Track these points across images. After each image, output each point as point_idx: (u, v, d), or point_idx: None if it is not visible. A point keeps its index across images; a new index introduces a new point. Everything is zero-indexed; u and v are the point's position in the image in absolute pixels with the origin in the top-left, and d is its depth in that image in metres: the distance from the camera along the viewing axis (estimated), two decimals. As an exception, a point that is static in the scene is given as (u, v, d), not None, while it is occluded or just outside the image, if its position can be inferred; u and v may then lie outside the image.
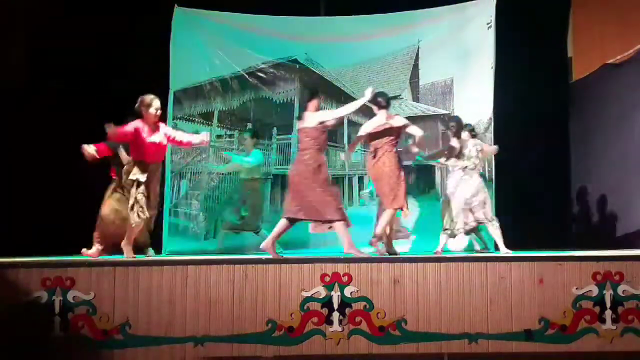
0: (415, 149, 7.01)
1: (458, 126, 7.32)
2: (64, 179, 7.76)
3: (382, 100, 6.69)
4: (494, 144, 7.75)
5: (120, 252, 6.42)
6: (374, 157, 6.63)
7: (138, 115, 6.31)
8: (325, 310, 5.32)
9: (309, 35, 8.69)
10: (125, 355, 5.29)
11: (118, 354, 5.29)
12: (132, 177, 6.25)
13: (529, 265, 5.39)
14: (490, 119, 7.97)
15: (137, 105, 6.33)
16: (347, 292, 5.33)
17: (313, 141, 6.37)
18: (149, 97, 6.35)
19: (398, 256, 6.40)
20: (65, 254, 6.49)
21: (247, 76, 8.60)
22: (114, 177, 7.03)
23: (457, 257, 5.71)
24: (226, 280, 5.36)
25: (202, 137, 6.68)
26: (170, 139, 6.51)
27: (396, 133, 6.67)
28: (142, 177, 6.23)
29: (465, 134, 7.33)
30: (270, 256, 6.14)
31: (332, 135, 8.68)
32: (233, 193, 8.48)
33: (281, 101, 8.72)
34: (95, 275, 5.35)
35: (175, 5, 8.34)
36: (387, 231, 6.70)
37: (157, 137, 6.35)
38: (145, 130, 6.27)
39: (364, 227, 7.13)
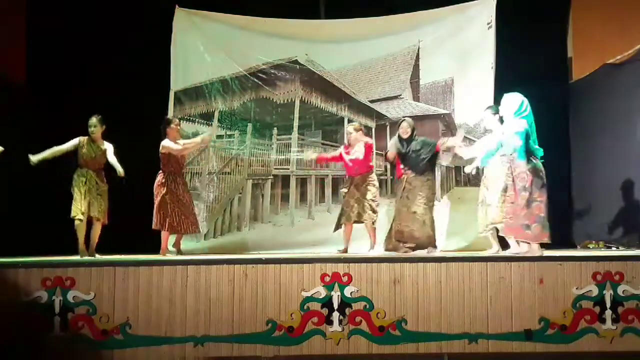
0: None
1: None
2: (64, 179, 7.76)
3: None
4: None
5: None
6: None
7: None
8: (325, 310, 5.31)
9: (309, 36, 8.70)
10: (125, 355, 5.29)
11: (118, 354, 5.29)
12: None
13: (529, 265, 5.38)
14: (491, 119, 7.96)
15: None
16: (347, 292, 5.33)
17: None
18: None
19: (398, 256, 6.39)
20: (65, 254, 6.49)
21: (247, 76, 8.60)
22: None
23: (457, 257, 5.70)
24: (226, 280, 5.35)
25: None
26: None
27: None
28: None
29: None
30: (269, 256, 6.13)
31: (332, 134, 8.71)
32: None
33: (281, 101, 8.72)
34: (95, 275, 5.35)
35: (176, 6, 8.36)
36: None
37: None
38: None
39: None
